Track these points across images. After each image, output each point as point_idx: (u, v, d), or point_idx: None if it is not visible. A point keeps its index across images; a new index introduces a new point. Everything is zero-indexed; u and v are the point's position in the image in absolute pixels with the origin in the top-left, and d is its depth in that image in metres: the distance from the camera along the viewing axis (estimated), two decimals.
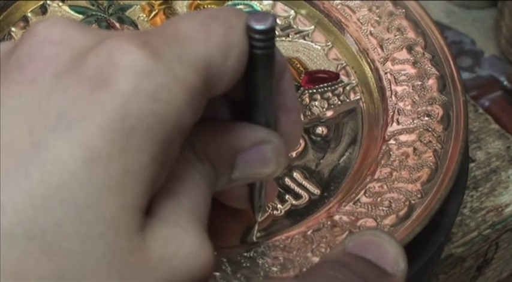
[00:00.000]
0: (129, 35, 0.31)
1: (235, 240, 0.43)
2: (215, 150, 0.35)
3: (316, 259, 0.40)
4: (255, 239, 0.43)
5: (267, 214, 0.45)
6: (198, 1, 0.55)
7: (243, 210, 0.42)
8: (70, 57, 0.30)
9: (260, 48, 0.33)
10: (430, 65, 0.50)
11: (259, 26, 0.33)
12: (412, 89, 0.49)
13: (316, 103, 0.51)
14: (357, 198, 0.44)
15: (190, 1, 0.55)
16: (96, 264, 0.28)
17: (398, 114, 0.48)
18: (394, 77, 0.50)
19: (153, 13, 0.54)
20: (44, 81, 0.30)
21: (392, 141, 0.47)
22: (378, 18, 0.53)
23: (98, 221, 0.28)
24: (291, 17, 0.55)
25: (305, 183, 0.46)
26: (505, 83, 0.96)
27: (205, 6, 0.55)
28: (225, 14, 0.33)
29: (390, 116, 0.48)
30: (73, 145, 0.28)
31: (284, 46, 0.54)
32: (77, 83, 0.29)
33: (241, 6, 0.55)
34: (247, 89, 0.35)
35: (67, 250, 0.28)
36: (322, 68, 0.53)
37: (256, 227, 0.43)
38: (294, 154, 0.48)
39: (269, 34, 0.33)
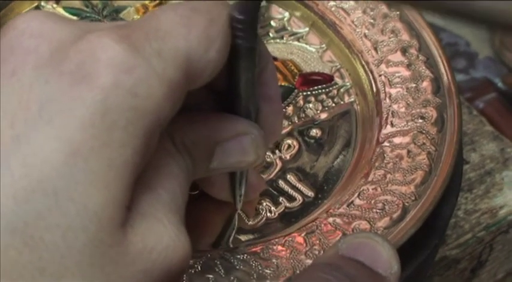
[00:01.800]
0: (109, 28, 0.31)
1: (227, 241, 0.43)
2: (194, 141, 0.35)
3: (309, 261, 0.40)
4: (228, 244, 0.43)
5: (261, 217, 0.45)
6: None
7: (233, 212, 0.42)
8: (49, 49, 0.30)
9: (242, 38, 0.33)
10: (424, 67, 0.50)
11: (241, 16, 0.33)
12: (406, 91, 0.49)
13: (311, 105, 0.51)
14: (350, 200, 0.44)
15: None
16: (78, 257, 0.28)
17: (393, 116, 0.48)
18: (388, 79, 0.50)
19: None
20: (25, 74, 0.30)
21: (386, 144, 0.47)
22: (372, 21, 0.53)
23: (80, 215, 0.28)
24: (285, 19, 0.55)
25: (299, 185, 0.46)
26: (500, 84, 0.96)
27: None
28: (206, 6, 0.33)
29: (384, 118, 0.48)
30: (54, 139, 0.28)
31: (278, 48, 0.54)
32: (57, 77, 0.29)
33: None
34: (229, 78, 0.35)
35: (49, 242, 0.28)
36: (317, 70, 0.53)
37: (236, 218, 0.43)
38: (288, 156, 0.48)
39: (251, 24, 0.33)
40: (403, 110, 0.48)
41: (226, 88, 0.35)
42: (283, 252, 0.41)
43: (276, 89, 0.38)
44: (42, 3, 0.54)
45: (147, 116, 0.30)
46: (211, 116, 0.36)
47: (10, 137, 0.29)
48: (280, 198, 0.46)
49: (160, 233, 0.31)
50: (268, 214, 0.45)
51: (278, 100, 0.38)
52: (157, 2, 0.55)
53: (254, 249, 0.41)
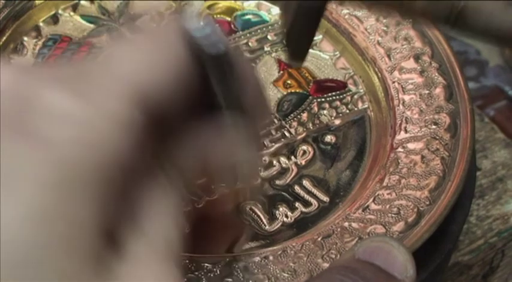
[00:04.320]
0: (58, 81, 0.29)
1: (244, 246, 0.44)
2: (184, 161, 0.33)
3: (326, 265, 0.41)
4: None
5: (278, 222, 0.45)
6: (208, 11, 0.56)
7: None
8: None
9: (205, 53, 0.31)
10: (437, 74, 0.51)
11: (197, 33, 0.31)
12: (420, 98, 0.50)
13: (325, 112, 0.51)
14: (366, 205, 0.44)
15: (200, 11, 0.56)
16: None
17: (406, 122, 0.49)
18: (401, 86, 0.51)
19: (164, 23, 0.55)
20: None
21: (400, 149, 0.47)
22: (385, 28, 0.54)
23: (54, 277, 0.27)
24: None
25: (314, 190, 0.47)
26: (510, 92, 0.96)
27: (215, 16, 0.56)
28: (157, 35, 0.32)
29: (398, 125, 0.49)
30: (17, 205, 0.27)
31: None
32: (9, 136, 0.27)
33: (250, 16, 0.56)
34: (207, 90, 0.33)
35: None
36: (330, 77, 0.53)
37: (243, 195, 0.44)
38: (303, 162, 0.48)
39: (209, 33, 0.31)
40: (416, 116, 0.49)
41: (207, 100, 0.34)
42: (300, 256, 0.41)
43: (252, 75, 0.35)
44: (60, 11, 0.54)
45: (109, 165, 0.28)
46: (200, 136, 0.34)
47: None
48: (296, 204, 0.46)
49: (145, 275, 0.29)
50: (285, 219, 0.45)
51: (256, 85, 0.36)
52: (173, 9, 0.56)
53: (272, 253, 0.42)
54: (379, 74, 0.52)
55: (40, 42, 0.53)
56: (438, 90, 0.50)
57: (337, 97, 0.52)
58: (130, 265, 0.29)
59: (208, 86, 0.33)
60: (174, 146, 0.33)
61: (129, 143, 0.29)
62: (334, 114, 0.51)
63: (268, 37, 0.55)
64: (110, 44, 0.31)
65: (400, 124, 0.49)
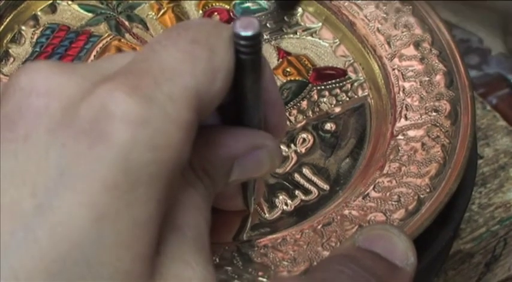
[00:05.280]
0: (117, 78, 0.30)
1: (241, 232, 0.44)
2: (212, 162, 0.35)
3: (326, 253, 0.41)
4: (246, 234, 0.43)
5: (278, 210, 0.45)
6: None
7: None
8: (60, 108, 0.29)
9: (247, 54, 0.33)
10: (437, 61, 0.51)
11: (245, 33, 0.32)
12: (420, 85, 0.50)
13: (325, 99, 0.51)
14: (366, 192, 0.44)
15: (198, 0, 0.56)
16: None
17: (406, 109, 0.48)
18: (401, 73, 0.50)
19: (162, 11, 0.55)
20: (39, 138, 0.29)
21: (400, 137, 0.47)
22: (385, 15, 0.53)
23: (113, 277, 0.28)
24: (298, 15, 0.55)
25: (314, 178, 0.47)
26: None
27: (214, 5, 0.55)
28: (205, 35, 0.32)
29: (398, 112, 0.48)
30: (78, 205, 0.28)
31: (292, 43, 0.54)
32: (73, 138, 0.28)
33: (249, 4, 0.56)
34: (236, 92, 0.35)
35: None
36: (330, 65, 0.53)
37: (250, 219, 0.44)
38: (303, 150, 0.48)
39: (255, 40, 0.32)
40: (416, 103, 0.49)
41: (233, 100, 0.35)
42: (300, 244, 0.41)
43: (276, 92, 0.38)
44: (58, 0, 0.54)
45: (169, 166, 0.29)
46: (225, 133, 0.36)
47: (33, 207, 0.28)
48: (296, 192, 0.46)
49: (189, 277, 0.30)
50: (285, 207, 0.45)
51: (280, 102, 0.38)
52: None
53: (271, 242, 0.42)
54: (379, 62, 0.52)
55: (38, 32, 0.52)
56: (438, 77, 0.50)
57: (337, 85, 0.52)
58: (174, 266, 0.30)
59: (242, 86, 0.34)
60: (202, 146, 0.34)
61: (188, 145, 0.30)
62: (334, 102, 0.51)
63: (268, 25, 0.55)
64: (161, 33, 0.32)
65: (401, 111, 0.48)
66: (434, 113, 0.48)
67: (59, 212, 0.28)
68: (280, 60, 0.53)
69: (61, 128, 0.29)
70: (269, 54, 0.53)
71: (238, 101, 0.35)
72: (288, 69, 0.52)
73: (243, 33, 0.32)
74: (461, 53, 0.51)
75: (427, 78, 0.50)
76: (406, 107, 0.49)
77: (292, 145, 0.48)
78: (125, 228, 0.28)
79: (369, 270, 0.35)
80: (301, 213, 0.45)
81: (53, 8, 0.54)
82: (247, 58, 0.33)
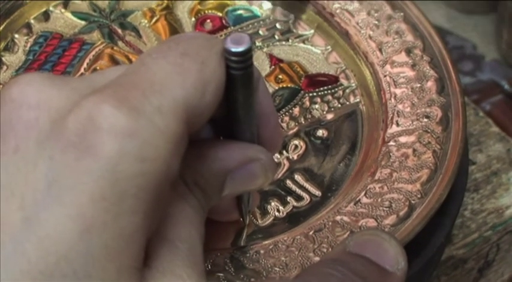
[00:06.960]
0: (106, 91, 0.30)
1: (236, 241, 0.43)
2: (205, 176, 0.35)
3: (317, 259, 0.41)
4: (242, 243, 0.43)
5: (270, 217, 0.45)
6: (199, 6, 0.56)
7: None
8: (49, 121, 0.30)
9: (238, 69, 0.33)
10: (428, 67, 0.51)
11: (236, 49, 0.32)
12: (411, 91, 0.50)
13: (317, 106, 0.51)
14: (357, 199, 0.44)
15: (191, 6, 0.56)
16: None
17: (398, 116, 0.49)
18: (393, 79, 0.51)
19: (155, 19, 0.55)
20: (28, 150, 0.29)
21: (392, 143, 0.47)
22: (376, 22, 0.54)
23: None
24: (290, 22, 0.56)
25: (306, 185, 0.47)
26: (506, 86, 0.97)
27: (206, 12, 0.56)
28: (195, 48, 0.32)
29: (390, 118, 0.49)
30: (66, 217, 0.28)
31: (284, 50, 0.54)
32: (61, 151, 0.28)
33: (241, 11, 0.56)
34: (228, 107, 0.35)
35: None
36: (322, 72, 0.53)
37: (246, 230, 0.44)
38: (295, 157, 0.48)
39: (246, 55, 0.33)
40: (408, 109, 0.49)
41: (225, 114, 0.35)
42: (292, 250, 0.41)
43: (271, 105, 0.38)
44: (51, 8, 0.54)
45: (157, 178, 0.29)
46: (217, 146, 0.36)
47: (20, 220, 0.28)
48: (288, 198, 0.46)
49: None
50: (277, 213, 0.45)
51: (274, 114, 0.38)
52: (164, 5, 0.56)
53: (263, 248, 0.42)
54: (371, 68, 0.52)
55: (31, 39, 0.52)
56: (430, 84, 0.50)
57: (329, 91, 0.52)
58: (165, 280, 0.30)
59: (234, 100, 0.34)
60: (194, 160, 0.34)
61: (177, 157, 0.30)
62: (326, 108, 0.51)
63: (260, 32, 0.55)
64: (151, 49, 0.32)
65: (392, 118, 0.49)
66: (425, 119, 0.48)
67: (47, 225, 0.28)
68: (273, 67, 0.53)
69: (49, 140, 0.29)
70: (261, 61, 0.53)
71: (230, 115, 0.35)
72: (280, 76, 0.53)
73: (234, 49, 0.32)
74: (455, 60, 0.52)
75: (419, 85, 0.50)
76: (397, 113, 0.49)
77: (284, 152, 0.48)
78: (112, 239, 0.28)
79: (359, 274, 0.35)
80: (293, 219, 0.45)
81: (46, 16, 0.54)
82: (238, 74, 0.33)
